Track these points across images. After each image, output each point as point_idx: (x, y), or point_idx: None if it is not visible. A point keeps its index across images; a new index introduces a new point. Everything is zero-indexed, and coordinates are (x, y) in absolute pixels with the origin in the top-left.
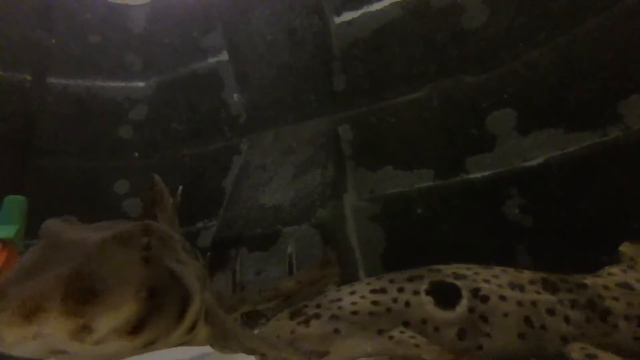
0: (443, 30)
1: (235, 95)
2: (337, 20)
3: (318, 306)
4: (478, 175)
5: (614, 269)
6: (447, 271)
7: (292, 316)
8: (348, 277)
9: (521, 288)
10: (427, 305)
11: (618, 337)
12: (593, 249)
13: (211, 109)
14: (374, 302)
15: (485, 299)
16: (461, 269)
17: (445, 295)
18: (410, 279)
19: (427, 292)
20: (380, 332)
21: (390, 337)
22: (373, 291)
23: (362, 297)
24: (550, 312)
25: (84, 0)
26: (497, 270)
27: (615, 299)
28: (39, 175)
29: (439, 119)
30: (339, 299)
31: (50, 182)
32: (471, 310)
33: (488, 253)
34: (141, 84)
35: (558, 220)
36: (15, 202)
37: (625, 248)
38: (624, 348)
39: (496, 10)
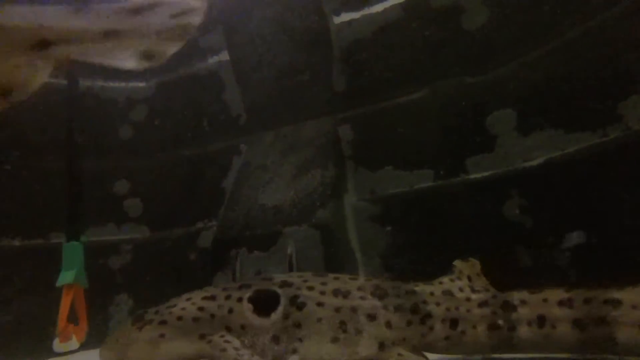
0: (443, 30)
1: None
2: (337, 20)
3: (156, 312)
4: (478, 175)
5: (445, 279)
6: (277, 280)
7: (134, 321)
8: None
9: (345, 294)
10: (247, 312)
11: (432, 337)
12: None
13: (211, 109)
14: (200, 308)
15: (301, 305)
16: (293, 277)
17: (266, 302)
18: (240, 287)
19: (249, 300)
20: (202, 336)
21: (209, 341)
22: (204, 298)
23: (193, 303)
24: (371, 317)
25: None
26: (328, 278)
27: (437, 304)
28: (38, 175)
29: (439, 119)
30: (174, 305)
31: (49, 182)
32: (286, 316)
33: (488, 253)
34: (141, 84)
35: (558, 221)
36: (72, 248)
37: (458, 264)
38: (437, 346)
39: (496, 11)
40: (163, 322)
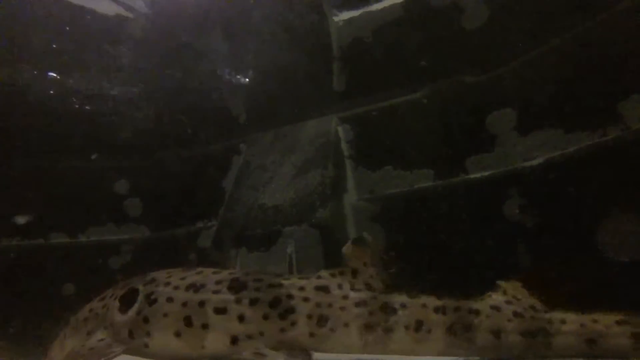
0: (443, 30)
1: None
2: (337, 19)
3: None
4: (478, 175)
5: (325, 273)
6: (149, 277)
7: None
8: None
9: (198, 289)
10: (114, 309)
11: (294, 332)
12: (593, 248)
13: (211, 109)
14: (91, 310)
15: (153, 301)
16: (161, 273)
17: (131, 300)
18: (124, 286)
19: (119, 298)
20: (89, 333)
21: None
22: (100, 299)
23: (91, 303)
24: (221, 311)
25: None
26: (191, 272)
27: (306, 299)
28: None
29: (439, 119)
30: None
31: (50, 181)
32: (139, 312)
33: (488, 253)
34: (141, 84)
35: (558, 220)
36: None
37: (347, 250)
38: (299, 343)
39: (496, 10)
40: (68, 322)
